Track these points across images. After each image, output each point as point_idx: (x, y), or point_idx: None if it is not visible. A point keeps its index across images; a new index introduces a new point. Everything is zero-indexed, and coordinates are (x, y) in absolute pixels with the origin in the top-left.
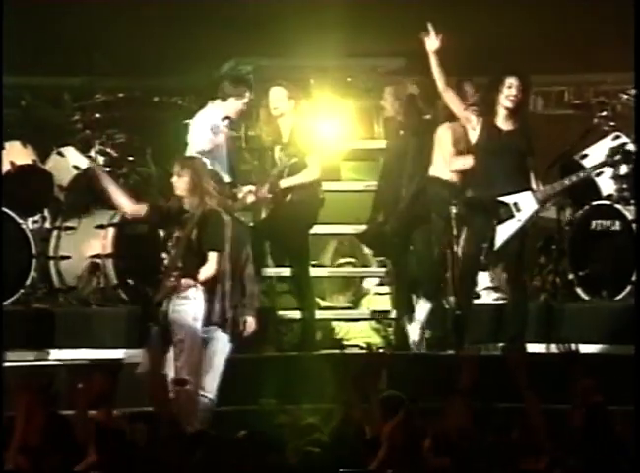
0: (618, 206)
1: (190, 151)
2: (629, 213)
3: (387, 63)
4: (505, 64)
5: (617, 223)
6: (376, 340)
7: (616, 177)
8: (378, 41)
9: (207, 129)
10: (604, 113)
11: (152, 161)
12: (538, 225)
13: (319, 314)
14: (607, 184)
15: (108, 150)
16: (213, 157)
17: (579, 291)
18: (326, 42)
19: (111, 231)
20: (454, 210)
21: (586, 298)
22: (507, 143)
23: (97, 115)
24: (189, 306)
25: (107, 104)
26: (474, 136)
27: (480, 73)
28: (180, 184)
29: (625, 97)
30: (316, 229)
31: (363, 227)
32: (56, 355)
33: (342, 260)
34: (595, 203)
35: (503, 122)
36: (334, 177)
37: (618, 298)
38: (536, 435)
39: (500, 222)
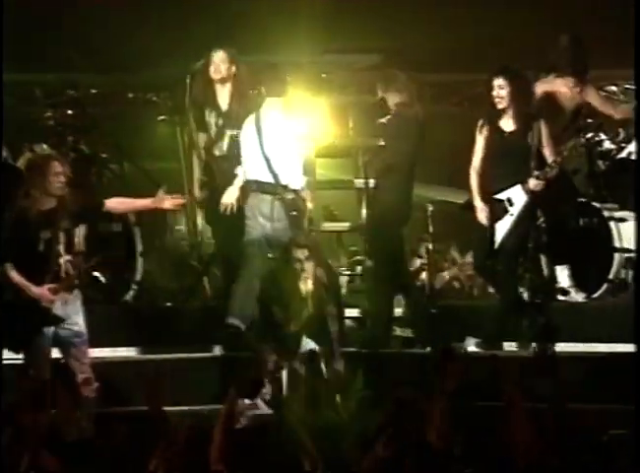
0: (595, 204)
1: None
2: (606, 211)
3: (363, 60)
4: (491, 64)
5: (594, 221)
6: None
7: (593, 175)
8: (354, 38)
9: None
10: (582, 110)
11: (125, 158)
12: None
13: None
14: (583, 182)
15: (81, 147)
16: None
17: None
18: (301, 39)
19: (83, 229)
20: (430, 208)
21: (562, 297)
22: (509, 144)
23: (70, 112)
24: None
25: (80, 101)
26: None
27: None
28: None
29: (603, 94)
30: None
31: (341, 224)
32: None
33: None
34: (572, 201)
35: (505, 123)
36: (308, 174)
37: (595, 296)
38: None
39: (497, 220)
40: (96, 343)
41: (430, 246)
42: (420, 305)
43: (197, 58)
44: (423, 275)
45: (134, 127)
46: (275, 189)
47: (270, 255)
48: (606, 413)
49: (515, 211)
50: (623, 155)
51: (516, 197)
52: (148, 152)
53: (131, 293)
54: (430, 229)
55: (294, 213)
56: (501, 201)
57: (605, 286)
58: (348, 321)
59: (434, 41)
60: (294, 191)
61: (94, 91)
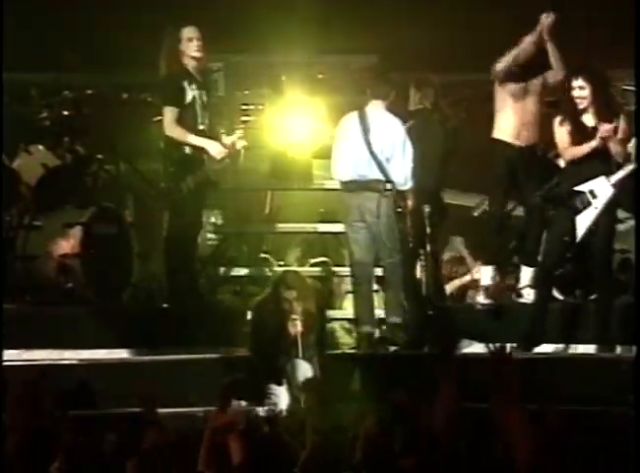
0: None
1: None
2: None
3: (359, 60)
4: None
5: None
6: (348, 341)
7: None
8: (350, 38)
9: None
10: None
11: (121, 159)
12: (509, 224)
13: None
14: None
15: (77, 148)
16: None
17: (553, 291)
18: (297, 39)
19: (79, 230)
20: (427, 209)
21: (560, 297)
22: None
23: (66, 112)
24: None
25: (76, 101)
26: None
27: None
28: None
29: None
30: (285, 227)
31: (335, 226)
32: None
33: (314, 260)
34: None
35: (587, 119)
36: (305, 176)
37: (592, 298)
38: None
39: (578, 212)
40: (90, 345)
41: (428, 248)
42: (418, 307)
43: None
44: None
45: (130, 128)
46: (380, 186)
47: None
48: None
49: (599, 204)
50: None
51: (600, 190)
52: (143, 152)
53: (127, 294)
54: (428, 230)
55: (399, 209)
56: (582, 193)
57: None
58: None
59: (431, 42)
60: (398, 190)
61: (89, 91)
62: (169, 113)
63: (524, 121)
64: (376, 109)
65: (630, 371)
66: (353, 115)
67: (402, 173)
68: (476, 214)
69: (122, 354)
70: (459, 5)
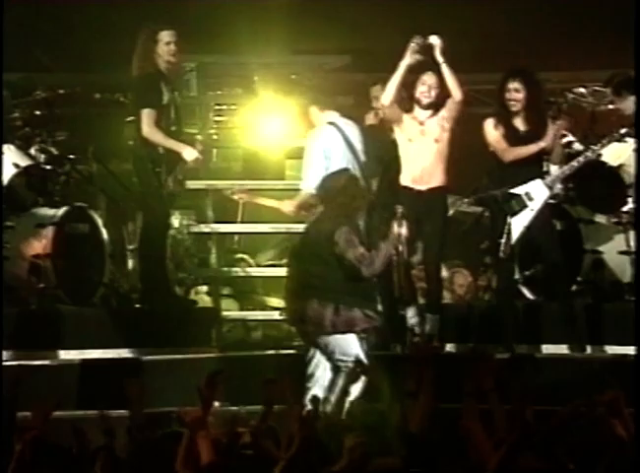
0: (565, 206)
1: None
2: (574, 212)
3: (333, 60)
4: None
5: (564, 222)
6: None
7: (563, 177)
8: (324, 38)
9: None
10: (550, 112)
11: (93, 159)
12: (482, 224)
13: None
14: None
15: (49, 148)
16: None
17: (525, 291)
18: (270, 39)
19: (51, 230)
20: (400, 209)
21: (531, 297)
22: (526, 142)
23: (37, 112)
24: None
25: (47, 101)
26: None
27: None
28: None
29: (571, 96)
30: (257, 227)
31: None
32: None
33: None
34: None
35: (520, 123)
36: (278, 176)
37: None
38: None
39: (514, 214)
40: (63, 345)
41: (400, 248)
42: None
43: None
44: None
45: (102, 128)
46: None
47: None
48: None
49: (535, 206)
50: (593, 157)
51: (536, 192)
52: (116, 153)
53: (99, 295)
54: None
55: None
56: (518, 195)
57: (573, 288)
58: None
59: (404, 43)
60: None
61: (61, 91)
62: (147, 115)
63: (424, 164)
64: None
65: (602, 371)
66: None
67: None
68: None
69: (95, 354)
70: (433, 6)
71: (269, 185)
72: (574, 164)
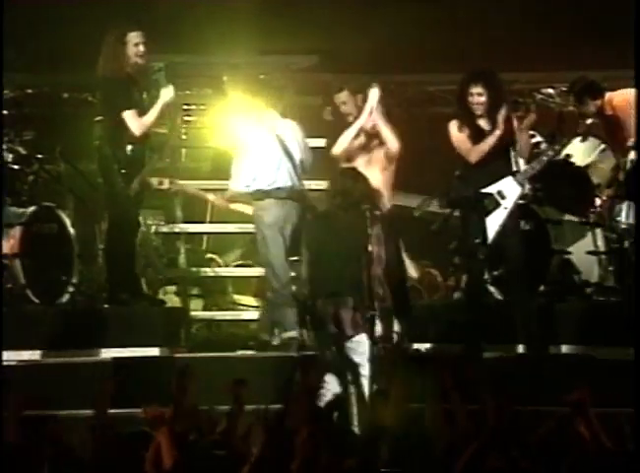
0: (533, 206)
1: None
2: (542, 213)
3: (300, 61)
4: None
5: (532, 223)
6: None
7: (530, 177)
8: (291, 39)
9: None
10: (518, 113)
11: (61, 159)
12: (451, 224)
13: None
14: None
15: (17, 147)
16: None
17: (492, 290)
18: (239, 39)
19: (19, 230)
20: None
21: (499, 297)
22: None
23: (6, 112)
24: None
25: (15, 101)
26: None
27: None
28: None
29: (539, 96)
30: (226, 227)
31: None
32: None
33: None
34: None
35: (484, 123)
36: None
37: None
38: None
39: (488, 214)
40: (29, 346)
41: (370, 249)
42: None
43: None
44: None
45: (70, 128)
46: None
47: None
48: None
49: (508, 204)
50: (560, 157)
51: (508, 190)
52: (84, 153)
53: (67, 295)
54: (369, 231)
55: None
56: (490, 194)
57: (541, 288)
58: None
59: (373, 42)
60: None
61: (29, 90)
62: (130, 117)
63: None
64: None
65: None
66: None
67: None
68: (416, 214)
69: (64, 355)
70: (402, 5)
71: None
72: (543, 158)
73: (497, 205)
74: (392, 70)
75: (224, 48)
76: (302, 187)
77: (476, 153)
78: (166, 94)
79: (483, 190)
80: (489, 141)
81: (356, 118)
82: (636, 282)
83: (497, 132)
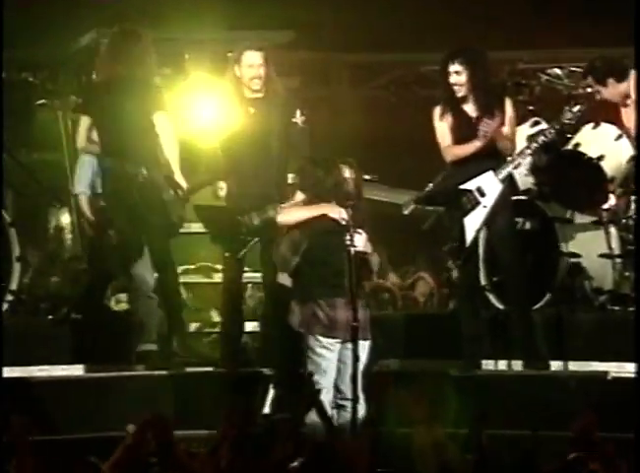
0: (537, 202)
1: None
2: (548, 210)
3: (274, 36)
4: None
5: (536, 222)
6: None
7: (535, 170)
8: (264, 12)
9: None
10: (520, 97)
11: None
12: (443, 225)
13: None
14: (524, 178)
15: None
16: None
17: (492, 298)
18: (203, 13)
19: None
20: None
21: (500, 306)
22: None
23: None
24: None
25: None
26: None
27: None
28: None
29: (545, 78)
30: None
31: None
32: None
33: None
34: (512, 199)
35: (470, 108)
36: (213, 168)
37: (535, 307)
38: None
39: (466, 213)
40: None
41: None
42: None
43: (81, 33)
44: None
45: (7, 112)
46: None
47: None
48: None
49: (488, 202)
50: (568, 147)
51: (488, 186)
52: (24, 141)
53: (5, 304)
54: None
55: None
56: (469, 191)
57: (547, 296)
58: None
59: (354, 17)
60: None
61: None
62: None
63: None
64: None
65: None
66: None
67: None
68: (406, 212)
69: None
70: None
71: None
72: (527, 150)
73: (477, 203)
74: (381, 48)
75: (186, 23)
76: None
77: (451, 154)
78: None
79: (462, 186)
80: (467, 148)
81: None
82: (636, 283)
83: (477, 143)
